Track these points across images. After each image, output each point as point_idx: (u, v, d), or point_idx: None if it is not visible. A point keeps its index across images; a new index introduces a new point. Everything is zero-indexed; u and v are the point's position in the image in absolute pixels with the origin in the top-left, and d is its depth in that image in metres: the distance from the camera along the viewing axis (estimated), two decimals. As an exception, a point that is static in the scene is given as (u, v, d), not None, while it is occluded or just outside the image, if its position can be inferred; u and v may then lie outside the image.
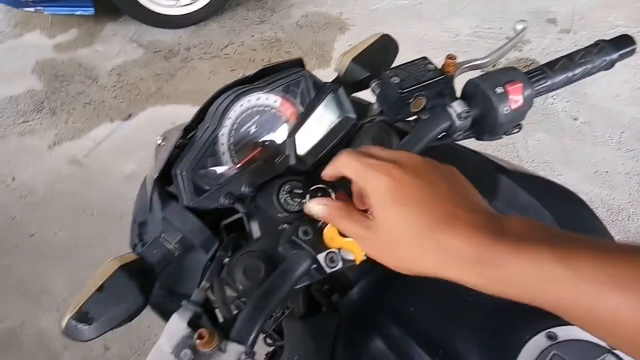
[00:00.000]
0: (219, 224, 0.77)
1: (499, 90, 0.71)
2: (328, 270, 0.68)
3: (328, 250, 0.63)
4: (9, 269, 2.06)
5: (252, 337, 0.58)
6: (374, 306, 0.73)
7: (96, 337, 0.66)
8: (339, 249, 0.64)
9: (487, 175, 0.86)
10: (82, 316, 0.64)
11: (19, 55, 3.06)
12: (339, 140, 0.77)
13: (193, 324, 0.59)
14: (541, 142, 2.35)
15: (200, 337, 0.55)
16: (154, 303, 0.78)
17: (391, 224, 0.47)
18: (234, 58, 3.03)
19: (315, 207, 0.57)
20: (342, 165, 0.53)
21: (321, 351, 0.75)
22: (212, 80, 2.88)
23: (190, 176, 0.67)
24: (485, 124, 0.74)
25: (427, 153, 0.87)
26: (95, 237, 2.12)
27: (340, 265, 0.65)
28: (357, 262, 0.63)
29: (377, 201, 0.48)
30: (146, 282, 0.68)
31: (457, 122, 0.72)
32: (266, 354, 1.01)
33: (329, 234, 0.63)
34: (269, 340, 1.00)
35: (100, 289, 0.65)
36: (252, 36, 3.16)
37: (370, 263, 0.75)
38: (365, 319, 0.73)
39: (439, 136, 0.76)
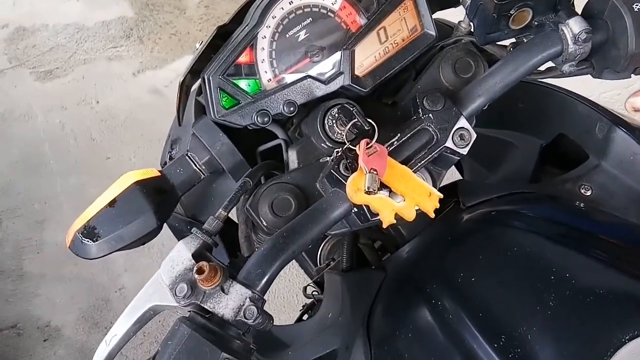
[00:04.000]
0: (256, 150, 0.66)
1: (638, 6, 0.52)
2: (372, 218, 0.55)
3: None
4: (83, 188, 2.14)
5: (263, 282, 0.47)
6: (426, 269, 0.60)
7: (102, 256, 0.58)
8: (365, 206, 0.51)
9: (598, 127, 0.67)
10: (89, 231, 0.57)
11: (115, -18, 3.11)
12: (409, 62, 0.62)
13: (199, 256, 0.49)
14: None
15: (200, 271, 0.45)
16: (175, 227, 0.70)
17: None
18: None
19: None
20: None
21: (357, 311, 0.64)
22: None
23: (218, 83, 0.55)
24: (611, 54, 0.55)
25: (514, 92, 0.70)
26: (166, 166, 2.12)
27: None
28: (384, 225, 0.50)
29: None
30: (164, 202, 0.59)
31: (571, 47, 0.54)
32: (303, 306, 0.92)
33: (353, 184, 0.49)
34: (308, 292, 0.91)
35: (112, 203, 0.58)
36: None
37: (427, 219, 0.61)
38: (414, 283, 0.60)
39: (543, 67, 0.58)
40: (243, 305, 0.45)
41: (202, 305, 0.46)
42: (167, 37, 2.73)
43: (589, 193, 0.65)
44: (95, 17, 2.80)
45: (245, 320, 0.45)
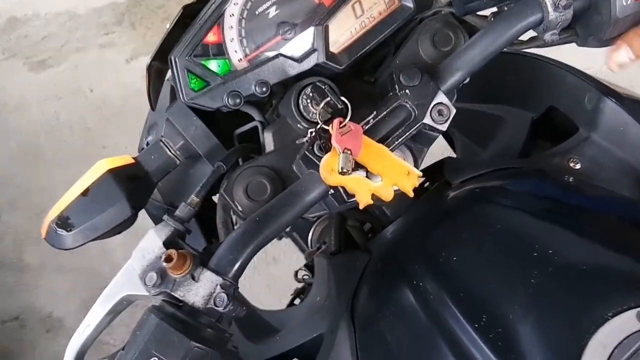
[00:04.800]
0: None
1: (621, -32, 0.49)
2: (348, 199, 0.54)
3: None
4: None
5: (234, 269, 0.46)
6: (408, 250, 0.58)
7: (78, 247, 0.57)
8: (342, 187, 0.49)
9: (587, 98, 0.65)
10: (63, 221, 0.56)
11: (106, -33, 3.06)
12: (387, 36, 0.60)
13: (170, 243, 0.48)
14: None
15: (168, 259, 0.44)
16: (154, 215, 0.69)
17: None
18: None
19: None
20: None
21: (342, 294, 0.63)
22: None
23: (185, 64, 0.53)
24: (594, 21, 0.53)
25: (502, 64, 0.67)
26: (162, 153, 2.11)
27: None
28: (361, 206, 0.49)
29: None
30: (138, 190, 0.58)
31: (552, 15, 0.51)
32: (295, 290, 0.91)
33: (327, 165, 0.48)
34: (299, 276, 0.90)
35: (85, 192, 0.56)
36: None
37: (412, 199, 0.60)
38: (396, 264, 0.58)
39: (525, 36, 0.56)
40: (213, 292, 0.44)
41: (173, 293, 0.45)
42: (159, 22, 2.69)
43: (578, 166, 0.63)
44: (87, 4, 2.76)
45: (216, 308, 0.44)
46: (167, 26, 0.62)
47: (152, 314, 0.43)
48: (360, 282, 0.63)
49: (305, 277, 0.89)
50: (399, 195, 0.52)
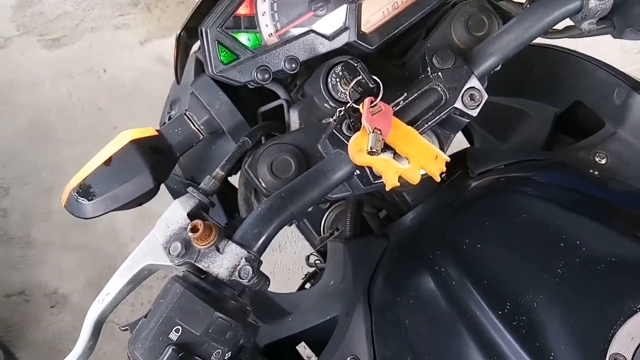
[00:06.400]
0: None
1: (667, -43, 0.48)
2: (374, 181, 0.53)
3: None
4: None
5: (259, 242, 0.45)
6: (430, 236, 0.58)
7: (98, 216, 0.57)
8: (368, 168, 0.49)
9: (616, 93, 0.64)
10: (85, 190, 0.55)
11: (124, -51, 3.04)
12: (419, 19, 0.59)
13: (195, 215, 0.48)
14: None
15: (194, 229, 0.43)
16: (173, 189, 0.68)
17: None
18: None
19: None
20: None
21: (359, 279, 0.62)
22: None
23: (216, 36, 0.53)
24: (633, 12, 0.52)
25: (526, 57, 0.65)
26: (172, 136, 2.11)
27: None
28: (387, 188, 0.48)
29: None
30: (161, 163, 0.57)
31: (592, 2, 0.50)
32: (305, 274, 0.91)
33: (355, 145, 0.47)
34: (311, 260, 0.89)
35: (108, 162, 0.56)
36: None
37: (433, 186, 0.59)
38: (417, 250, 0.58)
39: (560, 25, 0.55)
40: (238, 265, 0.44)
41: (197, 264, 0.45)
42: (175, 6, 2.67)
43: (603, 161, 0.62)
44: (103, -16, 2.76)
45: (240, 280, 0.44)
46: (197, -1, 0.61)
47: (176, 283, 0.42)
48: (377, 266, 0.62)
49: (317, 262, 0.88)
50: (421, 181, 0.51)
